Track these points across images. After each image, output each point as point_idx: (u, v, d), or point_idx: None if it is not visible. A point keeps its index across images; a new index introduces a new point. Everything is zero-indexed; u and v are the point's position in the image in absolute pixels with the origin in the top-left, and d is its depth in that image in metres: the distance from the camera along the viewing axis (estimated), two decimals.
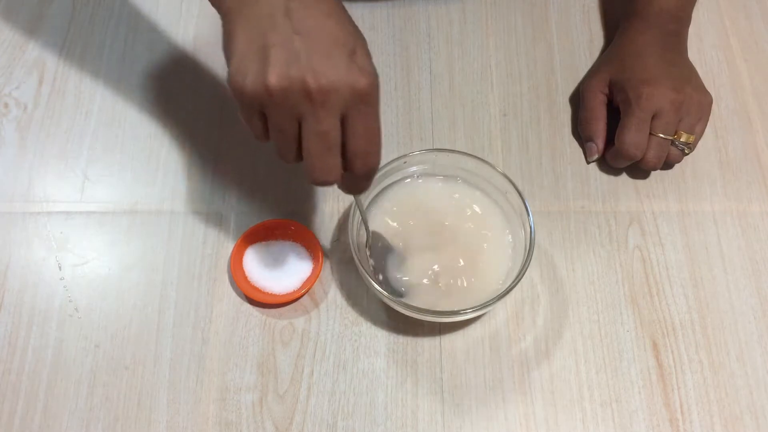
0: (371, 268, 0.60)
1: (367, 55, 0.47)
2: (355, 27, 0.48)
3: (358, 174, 0.49)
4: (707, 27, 0.78)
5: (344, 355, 0.60)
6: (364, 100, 0.45)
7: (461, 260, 0.60)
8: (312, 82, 0.44)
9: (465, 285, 0.60)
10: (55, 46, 0.74)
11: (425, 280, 0.60)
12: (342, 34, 0.46)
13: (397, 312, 0.59)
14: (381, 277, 0.60)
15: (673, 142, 0.66)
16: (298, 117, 0.46)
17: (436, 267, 0.60)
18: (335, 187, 0.66)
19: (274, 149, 0.49)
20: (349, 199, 0.66)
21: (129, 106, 0.71)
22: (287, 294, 0.61)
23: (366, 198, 0.61)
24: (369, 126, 0.47)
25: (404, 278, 0.60)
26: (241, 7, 0.46)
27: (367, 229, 0.60)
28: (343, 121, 0.46)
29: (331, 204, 0.67)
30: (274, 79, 0.44)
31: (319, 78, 0.44)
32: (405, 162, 0.62)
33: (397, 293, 0.60)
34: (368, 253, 0.60)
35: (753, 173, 0.70)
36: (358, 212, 0.59)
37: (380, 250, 0.61)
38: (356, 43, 0.46)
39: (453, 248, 0.61)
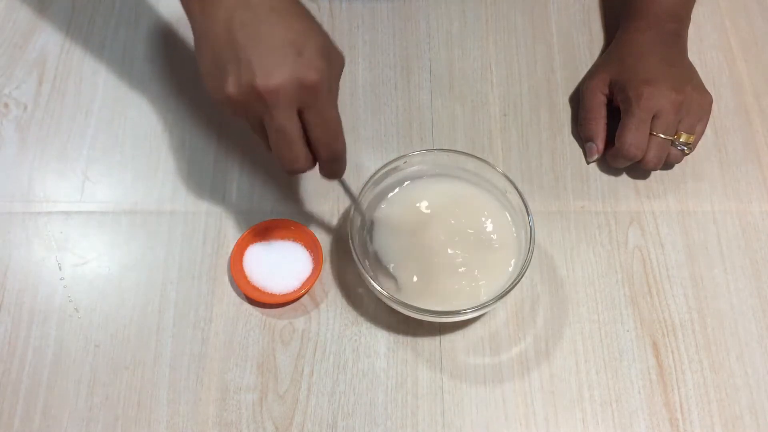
0: (374, 255, 0.61)
1: (318, 50, 0.49)
2: (309, 25, 0.51)
3: (325, 160, 0.53)
4: (707, 27, 0.78)
5: (344, 355, 0.60)
6: (314, 93, 0.49)
7: (461, 260, 0.60)
8: (261, 84, 0.48)
9: (465, 285, 0.60)
10: (55, 46, 0.73)
11: (424, 279, 0.60)
12: (291, 35, 0.49)
13: (397, 312, 0.59)
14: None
15: (673, 142, 0.66)
16: (260, 117, 0.50)
17: (436, 266, 0.60)
18: (335, 187, 0.67)
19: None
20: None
21: (129, 106, 0.71)
22: (287, 294, 0.61)
23: (366, 198, 0.61)
24: (325, 116, 0.51)
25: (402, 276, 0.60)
26: (204, 24, 0.51)
27: (362, 214, 0.60)
28: (302, 115, 0.50)
29: (331, 204, 0.67)
30: (230, 89, 0.49)
31: (267, 80, 0.48)
32: (405, 162, 0.62)
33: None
34: (368, 238, 0.61)
35: (753, 173, 0.70)
36: (357, 211, 0.59)
37: (380, 246, 0.61)
38: (306, 42, 0.49)
39: (453, 248, 0.61)
